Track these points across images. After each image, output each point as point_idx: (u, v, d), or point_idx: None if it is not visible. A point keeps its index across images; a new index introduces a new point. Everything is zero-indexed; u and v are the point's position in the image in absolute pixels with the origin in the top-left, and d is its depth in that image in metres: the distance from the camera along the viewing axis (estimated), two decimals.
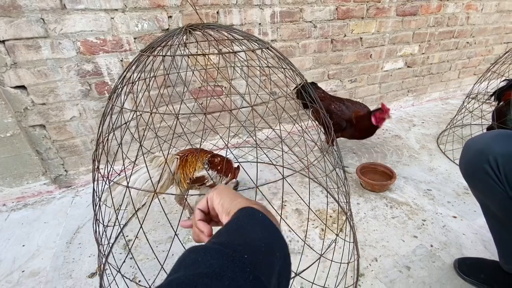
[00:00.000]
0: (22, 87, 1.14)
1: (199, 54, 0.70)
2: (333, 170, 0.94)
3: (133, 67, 0.78)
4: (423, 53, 2.11)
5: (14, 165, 1.22)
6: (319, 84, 1.79)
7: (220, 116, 1.57)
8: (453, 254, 0.92)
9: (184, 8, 1.27)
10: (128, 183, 0.73)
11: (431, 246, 0.96)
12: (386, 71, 2.03)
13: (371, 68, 1.95)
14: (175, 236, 0.66)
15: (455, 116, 1.79)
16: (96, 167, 0.81)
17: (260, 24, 1.45)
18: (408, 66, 2.11)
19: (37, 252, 1.00)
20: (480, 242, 0.96)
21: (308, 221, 1.09)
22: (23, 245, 1.04)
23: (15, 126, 1.16)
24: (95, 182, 0.83)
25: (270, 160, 1.40)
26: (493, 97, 1.59)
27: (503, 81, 1.60)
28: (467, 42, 2.31)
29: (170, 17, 1.26)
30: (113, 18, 1.17)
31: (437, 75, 2.33)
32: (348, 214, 0.99)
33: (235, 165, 1.15)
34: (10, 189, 1.27)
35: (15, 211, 1.23)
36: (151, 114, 0.67)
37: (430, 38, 2.07)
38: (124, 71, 0.83)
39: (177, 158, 0.95)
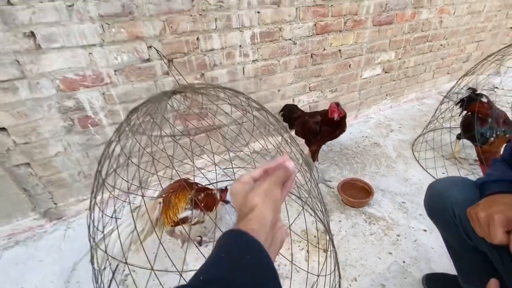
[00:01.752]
0: (2, 129, 1.12)
1: (183, 134, 0.73)
2: (316, 186, 1.01)
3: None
4: (399, 59, 2.19)
5: (1, 206, 1.22)
6: (301, 97, 1.85)
7: (207, 138, 1.60)
8: (422, 269, 1.04)
9: (164, 37, 1.26)
10: (106, 247, 0.77)
11: (404, 262, 1.07)
12: (365, 78, 2.10)
13: (351, 77, 2.02)
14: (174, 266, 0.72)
15: (427, 125, 1.90)
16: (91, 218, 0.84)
17: (240, 46, 1.47)
18: (385, 72, 2.19)
19: None
20: (445, 255, 1.08)
21: (291, 244, 1.17)
22: None
23: (1, 169, 1.16)
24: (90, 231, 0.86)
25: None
26: (459, 106, 1.69)
27: (468, 89, 1.70)
28: (441, 45, 2.40)
29: (150, 47, 1.25)
30: (91, 53, 1.15)
31: (413, 78, 2.43)
32: (328, 238, 1.08)
33: (224, 185, 1.20)
34: (0, 228, 1.27)
35: (7, 249, 1.24)
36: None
37: (406, 44, 2.14)
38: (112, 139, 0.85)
39: (160, 203, 0.99)
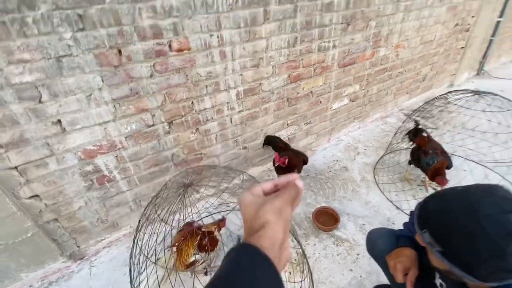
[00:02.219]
0: (36, 196, 1.36)
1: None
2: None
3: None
4: (363, 89, 2.55)
5: (36, 255, 1.46)
6: (280, 132, 2.17)
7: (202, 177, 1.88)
8: (373, 281, 1.40)
9: (164, 106, 1.52)
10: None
11: (361, 276, 1.43)
12: (335, 109, 2.44)
13: (322, 111, 2.35)
14: None
15: (385, 152, 2.27)
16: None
17: (227, 102, 1.74)
18: (352, 101, 2.54)
19: None
20: None
21: None
22: None
23: (34, 227, 1.39)
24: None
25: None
26: (408, 136, 2.05)
27: (412, 119, 2.07)
28: (399, 72, 2.78)
29: (154, 115, 1.51)
30: (106, 128, 1.40)
31: (377, 101, 2.80)
32: (304, 261, 1.42)
33: (221, 215, 1.50)
34: (33, 273, 1.51)
35: None
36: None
37: (368, 77, 2.49)
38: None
39: (174, 252, 1.28)
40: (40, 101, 1.19)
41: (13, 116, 1.16)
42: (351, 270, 1.47)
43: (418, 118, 2.09)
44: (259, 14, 1.56)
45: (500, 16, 3.62)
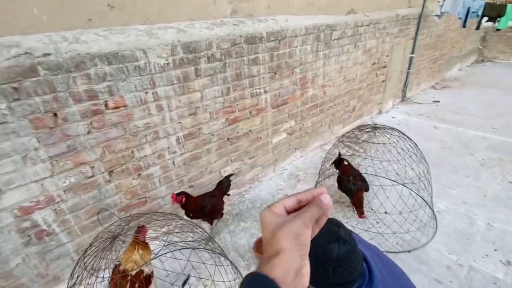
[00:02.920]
0: None
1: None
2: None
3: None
4: (298, 123, 2.89)
5: None
6: (225, 168, 2.36)
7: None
8: None
9: (103, 158, 1.64)
10: None
11: None
12: (275, 143, 2.72)
13: (263, 145, 2.61)
14: None
15: (318, 178, 2.56)
16: None
17: (168, 148, 1.91)
18: (290, 135, 2.86)
19: None
20: None
21: None
22: None
23: None
24: None
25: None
26: (333, 165, 2.37)
27: (338, 154, 2.41)
28: (330, 106, 3.21)
29: (93, 167, 1.62)
30: (43, 184, 1.47)
31: (313, 133, 3.17)
32: None
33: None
34: None
35: None
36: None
37: (301, 114, 2.85)
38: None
39: None
40: None
41: None
42: None
43: (342, 148, 2.43)
44: (191, 72, 1.81)
45: (412, 52, 4.39)
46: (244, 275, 1.75)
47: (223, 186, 2.09)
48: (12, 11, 1.24)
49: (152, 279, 1.45)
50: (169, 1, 1.67)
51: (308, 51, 2.55)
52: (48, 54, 1.29)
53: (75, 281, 1.16)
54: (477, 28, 4.05)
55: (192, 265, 1.76)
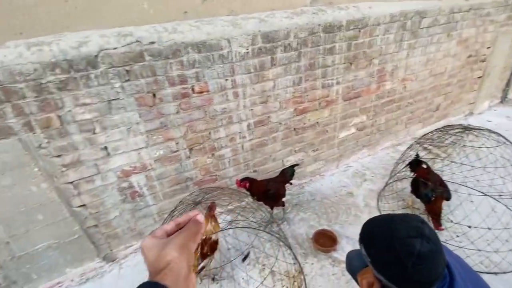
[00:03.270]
0: (83, 205, 1.72)
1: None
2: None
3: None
4: (370, 119, 2.70)
5: (78, 254, 1.80)
6: (288, 158, 2.39)
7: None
8: None
9: (186, 136, 1.84)
10: None
11: None
12: (342, 138, 2.62)
13: (329, 139, 2.54)
14: None
15: (389, 179, 2.36)
16: None
17: (239, 132, 2.03)
18: (359, 130, 2.70)
19: None
20: None
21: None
22: None
23: (80, 230, 1.74)
24: None
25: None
26: (409, 167, 2.15)
27: (415, 155, 2.17)
28: (409, 103, 2.90)
29: (177, 143, 1.84)
30: (140, 153, 1.75)
31: (386, 130, 2.92)
32: (301, 277, 1.58)
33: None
34: (75, 269, 1.84)
35: (82, 285, 1.80)
36: None
37: (375, 109, 2.66)
38: None
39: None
40: (94, 133, 1.57)
41: (74, 144, 1.54)
42: None
43: (420, 151, 2.19)
44: (267, 61, 1.87)
45: None
46: (301, 262, 1.78)
47: (286, 174, 2.13)
48: (129, 5, 1.48)
49: (217, 245, 1.60)
50: None
51: (390, 41, 2.34)
52: (153, 43, 1.51)
53: None
54: None
55: (252, 244, 1.86)
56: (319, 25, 1.93)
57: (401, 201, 2.20)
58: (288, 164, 2.39)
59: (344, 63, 2.21)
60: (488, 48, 3.24)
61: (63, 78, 1.38)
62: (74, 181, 1.62)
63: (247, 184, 1.93)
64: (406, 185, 2.27)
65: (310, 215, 2.20)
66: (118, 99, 1.54)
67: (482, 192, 2.10)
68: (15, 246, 1.58)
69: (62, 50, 1.34)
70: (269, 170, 2.35)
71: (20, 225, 1.55)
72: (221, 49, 1.68)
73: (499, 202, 2.07)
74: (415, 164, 2.08)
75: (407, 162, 2.16)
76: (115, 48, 1.43)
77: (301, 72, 2.05)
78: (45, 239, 1.65)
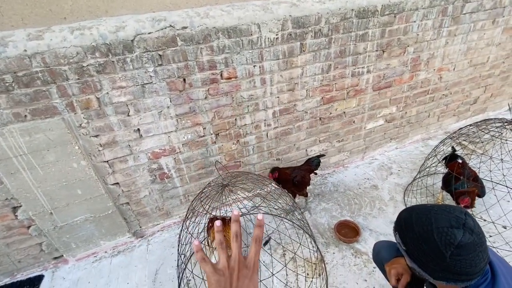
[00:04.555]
0: (117, 183, 1.83)
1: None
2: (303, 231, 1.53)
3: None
4: (401, 111, 2.59)
5: (111, 228, 1.94)
6: (313, 147, 2.37)
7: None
8: None
9: (213, 121, 1.88)
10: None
11: (374, 287, 1.54)
12: (369, 129, 2.54)
13: (355, 130, 2.47)
14: None
15: (417, 174, 2.27)
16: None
17: (265, 120, 2.04)
18: (388, 122, 2.60)
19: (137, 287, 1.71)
20: None
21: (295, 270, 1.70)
22: (127, 283, 1.74)
23: (113, 206, 1.86)
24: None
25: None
26: (444, 162, 2.05)
27: (451, 149, 2.06)
28: (443, 94, 2.73)
29: (205, 128, 1.88)
30: (169, 136, 1.81)
31: (417, 123, 2.79)
32: (322, 265, 1.59)
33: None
34: (108, 242, 1.98)
35: (114, 257, 1.95)
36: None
37: (406, 100, 2.54)
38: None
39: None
40: (128, 115, 1.65)
41: (110, 125, 1.63)
42: (365, 280, 1.59)
43: (454, 144, 2.08)
44: (296, 47, 1.84)
45: None
46: (322, 251, 1.78)
47: (311, 164, 2.12)
48: None
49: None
50: None
51: (428, 27, 2.20)
52: (185, 27, 1.53)
53: (190, 215, 1.42)
54: None
55: (275, 230, 1.89)
56: (352, 10, 1.85)
57: (430, 197, 2.12)
58: (312, 154, 2.37)
59: (377, 50, 2.12)
60: None
61: (102, 62, 1.45)
62: (109, 160, 1.73)
63: (277, 174, 1.96)
64: (437, 180, 2.18)
65: (332, 205, 2.19)
66: (151, 83, 1.60)
67: None
68: (57, 217, 1.73)
69: (102, 34, 1.40)
70: (293, 159, 2.35)
71: (62, 198, 1.69)
72: (251, 34, 1.67)
73: None
74: (451, 158, 1.98)
75: (438, 157, 2.06)
76: (149, 33, 1.47)
77: (330, 60, 1.99)
78: (83, 212, 1.78)
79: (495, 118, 1.92)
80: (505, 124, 1.76)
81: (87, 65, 1.43)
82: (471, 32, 2.45)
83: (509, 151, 1.84)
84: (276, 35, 1.74)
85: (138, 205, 1.97)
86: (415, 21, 2.11)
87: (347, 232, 1.88)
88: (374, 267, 1.65)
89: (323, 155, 2.19)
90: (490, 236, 1.77)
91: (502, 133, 1.93)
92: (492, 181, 1.79)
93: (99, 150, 1.67)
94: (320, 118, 2.24)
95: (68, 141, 1.55)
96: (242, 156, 2.12)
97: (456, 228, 0.70)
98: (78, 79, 1.45)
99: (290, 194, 2.06)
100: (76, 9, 1.39)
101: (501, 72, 2.95)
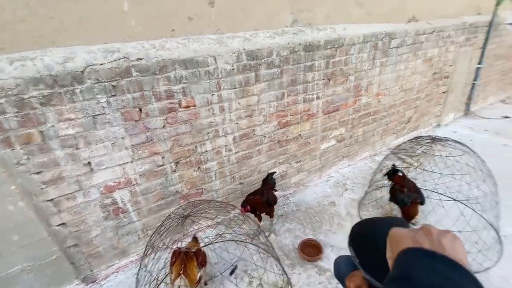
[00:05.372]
0: (63, 224, 1.65)
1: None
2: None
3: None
4: (349, 131, 2.85)
5: (55, 277, 1.70)
6: (273, 169, 2.44)
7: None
8: None
9: (172, 150, 1.85)
10: None
11: None
12: (323, 149, 2.73)
13: (311, 151, 2.64)
14: None
15: (370, 188, 2.49)
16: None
17: (225, 145, 2.07)
18: (339, 142, 2.83)
19: None
20: None
21: None
22: None
23: (58, 251, 1.66)
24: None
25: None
26: (387, 176, 2.29)
27: (392, 165, 2.32)
28: (383, 115, 3.10)
29: (163, 157, 1.84)
30: (124, 168, 1.72)
31: (364, 142, 3.09)
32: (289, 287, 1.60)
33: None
34: None
35: None
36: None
37: (353, 121, 2.82)
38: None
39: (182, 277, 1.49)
40: (77, 148, 1.54)
41: (56, 160, 1.50)
42: None
43: (395, 160, 2.34)
44: (252, 77, 1.95)
45: (479, 63, 4.01)
46: (288, 272, 1.80)
47: (270, 182, 2.18)
48: (116, 22, 1.51)
49: (207, 258, 1.59)
50: (239, 13, 1.84)
51: (364, 59, 2.53)
52: (140, 59, 1.53)
53: (149, 251, 1.34)
54: None
55: (240, 257, 1.86)
56: (299, 44, 2.06)
57: (380, 209, 2.31)
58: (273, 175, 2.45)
59: (323, 79, 2.35)
60: (450, 66, 3.57)
61: (47, 93, 1.37)
62: (54, 198, 1.56)
63: (249, 207, 1.95)
64: (385, 193, 2.40)
65: (295, 225, 2.25)
66: (103, 114, 1.54)
67: (451, 198, 2.27)
68: None
69: (47, 65, 1.33)
70: (255, 182, 2.39)
71: None
72: (207, 65, 1.74)
73: (467, 206, 2.24)
74: (392, 173, 2.21)
75: (384, 172, 2.30)
76: (101, 64, 1.44)
77: (283, 88, 2.15)
78: (20, 261, 1.55)
79: (424, 136, 2.23)
80: (432, 140, 2.06)
81: (29, 97, 1.33)
82: (399, 63, 2.87)
83: (437, 163, 2.14)
84: (232, 66, 1.83)
85: (89, 246, 1.78)
86: (353, 54, 2.42)
87: (310, 250, 1.93)
88: (337, 283, 1.71)
89: (274, 173, 2.28)
90: None
91: (431, 147, 2.24)
92: (427, 189, 2.05)
93: (41, 188, 1.50)
94: (278, 141, 2.35)
95: (3, 181, 1.38)
96: (204, 183, 2.09)
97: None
98: (18, 112, 1.33)
99: (257, 218, 2.07)
100: (17, 39, 1.31)
101: (425, 95, 3.48)
